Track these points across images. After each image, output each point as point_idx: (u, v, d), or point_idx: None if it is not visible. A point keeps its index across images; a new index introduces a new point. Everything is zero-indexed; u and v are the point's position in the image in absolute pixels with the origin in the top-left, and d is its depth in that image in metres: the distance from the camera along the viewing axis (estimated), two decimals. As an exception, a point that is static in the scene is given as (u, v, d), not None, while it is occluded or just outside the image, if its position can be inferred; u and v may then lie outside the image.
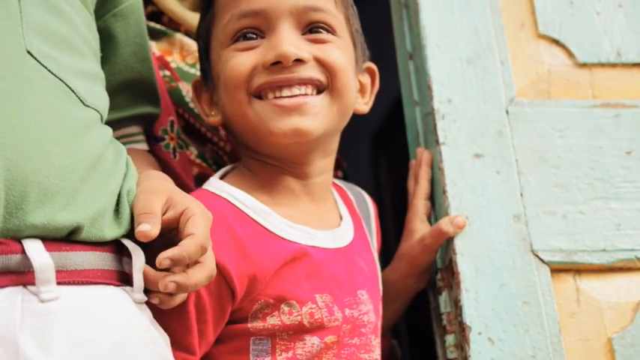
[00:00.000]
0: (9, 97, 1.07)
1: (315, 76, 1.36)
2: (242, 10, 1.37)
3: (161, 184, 1.24)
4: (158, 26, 1.65)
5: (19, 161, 1.05)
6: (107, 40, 1.34)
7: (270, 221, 1.35)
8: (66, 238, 1.09)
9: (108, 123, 1.33)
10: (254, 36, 1.37)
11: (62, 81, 1.14)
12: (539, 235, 1.47)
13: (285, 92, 1.34)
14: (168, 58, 1.62)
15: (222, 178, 1.43)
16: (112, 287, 1.13)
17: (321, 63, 1.37)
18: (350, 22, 1.45)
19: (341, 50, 1.39)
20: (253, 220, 1.34)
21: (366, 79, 1.50)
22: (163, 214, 1.16)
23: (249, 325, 1.29)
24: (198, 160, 1.58)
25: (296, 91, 1.34)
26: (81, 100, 1.17)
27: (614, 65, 1.62)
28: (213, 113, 1.45)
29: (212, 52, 1.42)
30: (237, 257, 1.28)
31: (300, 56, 1.34)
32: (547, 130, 1.54)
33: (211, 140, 1.61)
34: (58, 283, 1.06)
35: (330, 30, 1.39)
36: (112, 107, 1.35)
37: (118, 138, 1.36)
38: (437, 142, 1.52)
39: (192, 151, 1.58)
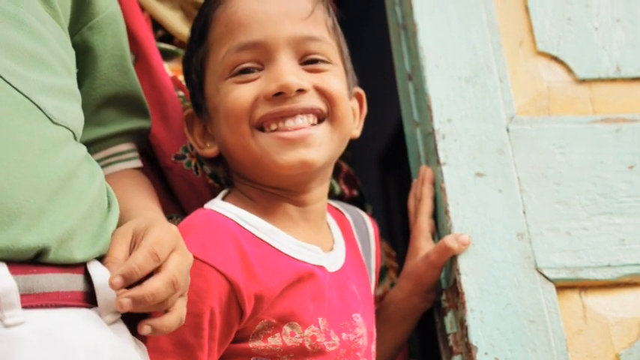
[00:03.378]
0: None
1: (317, 105, 1.37)
2: (240, 43, 1.37)
3: (132, 222, 1.20)
4: (168, 46, 1.66)
5: None
6: (85, 54, 1.32)
7: (279, 241, 1.35)
8: (33, 260, 1.07)
9: (98, 139, 1.32)
10: (253, 67, 1.37)
11: (28, 98, 1.12)
12: (544, 252, 1.47)
13: (289, 123, 1.35)
14: (181, 78, 1.62)
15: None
16: (82, 309, 1.10)
17: (320, 92, 1.38)
18: (342, 50, 1.46)
19: (338, 78, 1.41)
20: (261, 240, 1.34)
21: (355, 104, 1.51)
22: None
23: (250, 344, 1.29)
24: (210, 180, 1.58)
25: (299, 121, 1.35)
26: (49, 118, 1.14)
27: (613, 80, 1.62)
28: (208, 145, 1.45)
29: (207, 84, 1.42)
30: (246, 277, 1.28)
31: (302, 86, 1.35)
32: (548, 147, 1.54)
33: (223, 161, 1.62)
34: (24, 307, 1.04)
35: (326, 59, 1.41)
36: (99, 123, 1.34)
37: (108, 157, 1.35)
38: (438, 161, 1.52)
39: (206, 170, 1.58)
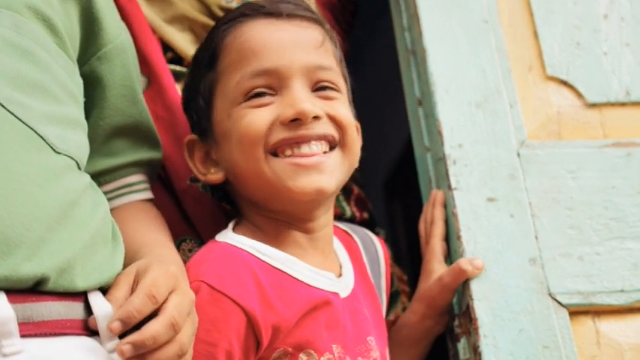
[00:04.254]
0: None
1: (330, 132, 1.38)
2: (254, 69, 1.38)
3: (137, 262, 1.20)
4: (178, 68, 1.67)
5: None
6: (94, 84, 1.33)
7: (296, 269, 1.36)
8: (32, 289, 1.06)
9: (108, 170, 1.32)
10: (266, 92, 1.38)
11: (30, 128, 1.12)
12: (556, 277, 1.46)
13: (304, 149, 1.35)
14: None
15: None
16: (83, 337, 1.10)
17: (332, 119, 1.39)
18: (346, 80, 1.48)
19: (346, 107, 1.43)
20: (278, 269, 1.34)
21: None
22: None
23: None
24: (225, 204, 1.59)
25: (314, 147, 1.36)
26: (51, 147, 1.14)
27: (623, 104, 1.62)
28: (212, 171, 1.44)
29: (216, 110, 1.42)
30: (263, 308, 1.28)
31: (318, 113, 1.36)
32: (559, 172, 1.54)
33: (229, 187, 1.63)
34: (23, 336, 1.03)
35: (336, 87, 1.42)
36: (109, 154, 1.33)
37: (118, 188, 1.35)
38: (449, 187, 1.51)
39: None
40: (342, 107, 1.41)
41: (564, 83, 1.63)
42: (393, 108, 2.49)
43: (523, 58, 1.64)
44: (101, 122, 1.34)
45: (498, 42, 1.63)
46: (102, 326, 1.11)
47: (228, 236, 1.39)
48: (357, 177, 1.81)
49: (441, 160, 1.55)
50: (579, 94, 1.62)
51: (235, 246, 1.36)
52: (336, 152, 1.39)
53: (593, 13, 1.68)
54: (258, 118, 1.35)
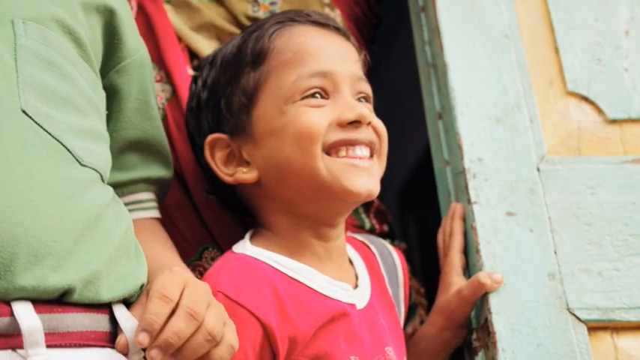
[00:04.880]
0: (2, 157, 1.07)
1: (374, 140, 1.43)
2: (312, 70, 1.42)
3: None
4: None
5: (9, 223, 1.04)
6: (112, 96, 1.34)
7: (313, 279, 1.37)
8: (58, 300, 1.08)
9: (118, 184, 1.32)
10: (321, 94, 1.42)
11: (58, 140, 1.14)
12: (575, 293, 1.46)
13: (358, 151, 1.40)
14: None
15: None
16: (107, 350, 1.11)
17: (374, 128, 1.44)
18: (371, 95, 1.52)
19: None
20: (296, 280, 1.36)
21: None
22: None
23: None
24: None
25: (364, 151, 1.41)
26: (77, 160, 1.16)
27: (643, 121, 1.62)
28: (244, 170, 1.43)
29: (262, 107, 1.42)
30: (280, 319, 1.28)
31: (372, 120, 1.42)
32: (579, 187, 1.54)
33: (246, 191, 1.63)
34: (48, 346, 1.05)
35: (370, 100, 1.48)
36: (120, 168, 1.34)
37: (127, 204, 1.34)
38: (469, 201, 1.52)
39: None
40: (377, 118, 1.46)
41: (585, 99, 1.63)
42: (408, 120, 2.49)
43: (544, 73, 1.65)
44: (116, 135, 1.35)
45: (519, 57, 1.64)
46: (130, 338, 1.12)
47: (246, 247, 1.40)
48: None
49: (460, 174, 1.55)
50: (600, 110, 1.62)
51: (253, 257, 1.37)
52: (375, 159, 1.43)
53: (614, 29, 1.69)
54: (318, 116, 1.39)
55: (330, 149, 1.39)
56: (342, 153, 1.39)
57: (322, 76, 1.41)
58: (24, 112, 1.12)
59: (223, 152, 1.45)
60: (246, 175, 1.43)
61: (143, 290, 1.21)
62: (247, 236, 1.44)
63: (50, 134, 1.13)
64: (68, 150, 1.15)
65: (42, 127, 1.13)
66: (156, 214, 1.44)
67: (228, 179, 1.44)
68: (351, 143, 1.39)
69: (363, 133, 1.41)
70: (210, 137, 1.46)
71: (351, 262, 1.51)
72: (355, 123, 1.39)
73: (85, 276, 1.10)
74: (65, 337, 1.07)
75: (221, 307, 1.17)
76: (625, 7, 1.71)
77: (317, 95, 1.41)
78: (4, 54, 1.14)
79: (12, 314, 1.04)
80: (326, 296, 1.36)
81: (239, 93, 1.46)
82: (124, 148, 1.36)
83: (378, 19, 1.98)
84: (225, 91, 1.48)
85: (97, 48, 1.30)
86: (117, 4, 1.33)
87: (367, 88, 1.48)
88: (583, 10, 1.70)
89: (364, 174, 1.39)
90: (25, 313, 1.04)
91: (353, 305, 1.39)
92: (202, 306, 1.11)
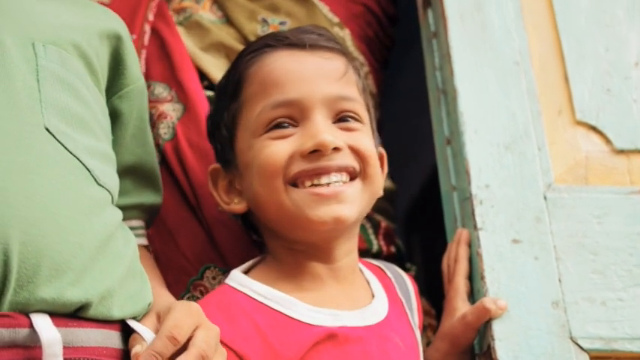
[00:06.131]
0: (28, 171, 1.09)
1: (350, 164, 1.39)
2: (276, 100, 1.40)
3: (158, 306, 1.23)
4: (211, 93, 1.69)
5: (35, 235, 1.06)
6: (113, 122, 1.35)
7: (294, 309, 1.36)
8: (73, 314, 1.09)
9: None
10: (287, 125, 1.40)
11: (78, 159, 1.16)
12: (579, 321, 1.46)
13: (324, 180, 1.37)
14: None
15: (248, 270, 1.45)
16: None
17: (354, 151, 1.40)
18: (369, 110, 1.50)
19: (368, 137, 1.44)
20: (276, 310, 1.35)
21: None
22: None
23: None
24: (254, 236, 1.60)
25: (333, 178, 1.37)
26: (95, 179, 1.18)
27: (650, 152, 1.63)
28: (236, 201, 1.46)
29: (239, 140, 1.44)
30: (263, 351, 1.29)
31: (337, 145, 1.38)
32: (585, 216, 1.54)
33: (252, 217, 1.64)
34: None
35: (358, 118, 1.44)
36: (119, 192, 1.35)
37: None
38: (475, 227, 1.52)
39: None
40: (363, 138, 1.42)
41: (593, 128, 1.64)
42: (415, 143, 2.50)
43: (553, 101, 1.65)
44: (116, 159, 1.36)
45: (529, 85, 1.65)
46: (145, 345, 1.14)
47: (232, 277, 1.41)
48: (389, 210, 1.82)
49: (467, 200, 1.56)
50: (608, 140, 1.63)
51: (234, 288, 1.37)
52: (357, 182, 1.40)
53: (624, 60, 1.69)
54: (278, 149, 1.37)
55: (296, 180, 1.37)
56: (307, 183, 1.37)
57: (287, 106, 1.39)
58: (47, 129, 1.14)
59: (224, 181, 1.48)
60: (237, 205, 1.46)
61: (149, 309, 1.23)
62: (245, 265, 1.45)
63: (71, 152, 1.15)
64: (87, 169, 1.17)
65: (63, 146, 1.15)
66: (145, 241, 1.47)
67: (226, 208, 1.48)
68: (316, 173, 1.37)
69: (336, 160, 1.37)
70: (211, 168, 1.50)
71: (367, 281, 1.51)
72: (316, 152, 1.36)
73: (101, 292, 1.12)
74: (79, 351, 1.09)
75: (223, 353, 1.19)
76: (636, 38, 1.72)
77: (286, 125, 1.39)
78: (27, 75, 1.16)
79: (31, 326, 1.05)
80: (306, 323, 1.35)
81: (223, 126, 1.48)
82: (121, 173, 1.37)
83: (391, 41, 1.99)
84: (215, 124, 1.51)
85: (104, 73, 1.33)
86: (123, 31, 1.36)
87: (352, 106, 1.43)
88: (594, 39, 1.71)
89: (332, 201, 1.36)
90: (44, 326, 1.05)
91: (342, 327, 1.37)
92: (213, 350, 1.15)
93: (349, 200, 1.38)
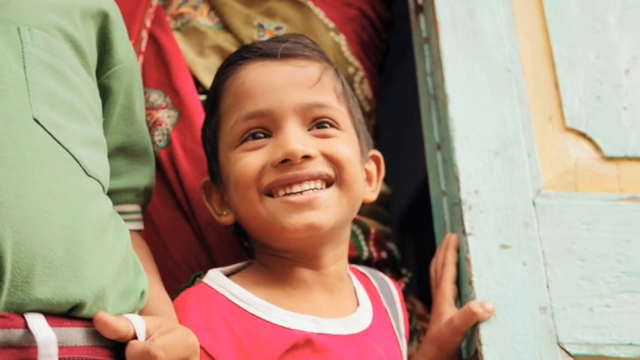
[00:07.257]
0: (17, 168, 1.07)
1: (324, 171, 1.40)
2: (248, 112, 1.41)
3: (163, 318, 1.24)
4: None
5: (27, 234, 1.05)
6: (103, 101, 1.33)
7: (270, 314, 1.36)
8: (67, 314, 1.09)
9: (108, 193, 1.32)
10: (261, 135, 1.41)
11: (67, 150, 1.14)
12: (566, 327, 1.47)
13: (296, 188, 1.38)
14: None
15: (232, 272, 1.45)
16: None
17: (328, 157, 1.40)
18: (352, 114, 1.49)
19: (346, 143, 1.44)
20: (252, 314, 1.35)
21: (371, 166, 1.54)
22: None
23: None
24: (246, 243, 1.61)
25: (306, 186, 1.38)
26: (84, 170, 1.16)
27: (640, 159, 1.64)
28: (224, 213, 1.47)
29: (220, 153, 1.46)
30: (237, 355, 1.29)
31: (308, 153, 1.38)
32: (574, 223, 1.55)
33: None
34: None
35: (335, 124, 1.44)
36: (111, 173, 1.33)
37: None
38: (464, 232, 1.53)
39: None
40: (339, 144, 1.42)
41: (583, 135, 1.64)
42: (409, 147, 2.51)
43: (543, 108, 1.66)
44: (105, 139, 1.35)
45: (520, 91, 1.65)
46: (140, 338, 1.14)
47: (210, 277, 1.41)
48: (383, 214, 1.82)
49: (456, 205, 1.56)
50: (597, 147, 1.64)
51: (213, 288, 1.38)
52: (332, 189, 1.40)
53: (615, 67, 1.70)
54: (250, 161, 1.38)
55: (271, 190, 1.38)
56: (281, 192, 1.38)
57: (259, 117, 1.40)
58: (36, 120, 1.12)
59: (217, 194, 1.49)
60: (226, 217, 1.48)
61: (144, 298, 1.23)
62: (230, 267, 1.46)
63: (60, 144, 1.14)
64: (76, 160, 1.16)
65: (53, 137, 1.13)
66: (140, 226, 1.45)
67: (217, 219, 1.49)
68: (288, 183, 1.37)
69: (308, 168, 1.38)
70: (203, 181, 1.52)
71: (355, 289, 1.51)
72: (287, 161, 1.37)
73: (96, 291, 1.11)
74: (73, 351, 1.08)
75: None
76: (626, 45, 1.72)
77: (259, 135, 1.40)
78: (13, 62, 1.14)
79: (26, 326, 1.04)
80: (284, 327, 1.35)
81: (207, 140, 1.50)
82: (110, 154, 1.35)
83: (386, 46, 2.00)
84: (203, 137, 1.53)
85: (93, 54, 1.30)
86: (110, 9, 1.33)
87: (327, 112, 1.43)
88: (585, 47, 1.71)
89: (305, 209, 1.36)
90: (39, 326, 1.05)
91: (321, 334, 1.37)
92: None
93: (323, 206, 1.38)
